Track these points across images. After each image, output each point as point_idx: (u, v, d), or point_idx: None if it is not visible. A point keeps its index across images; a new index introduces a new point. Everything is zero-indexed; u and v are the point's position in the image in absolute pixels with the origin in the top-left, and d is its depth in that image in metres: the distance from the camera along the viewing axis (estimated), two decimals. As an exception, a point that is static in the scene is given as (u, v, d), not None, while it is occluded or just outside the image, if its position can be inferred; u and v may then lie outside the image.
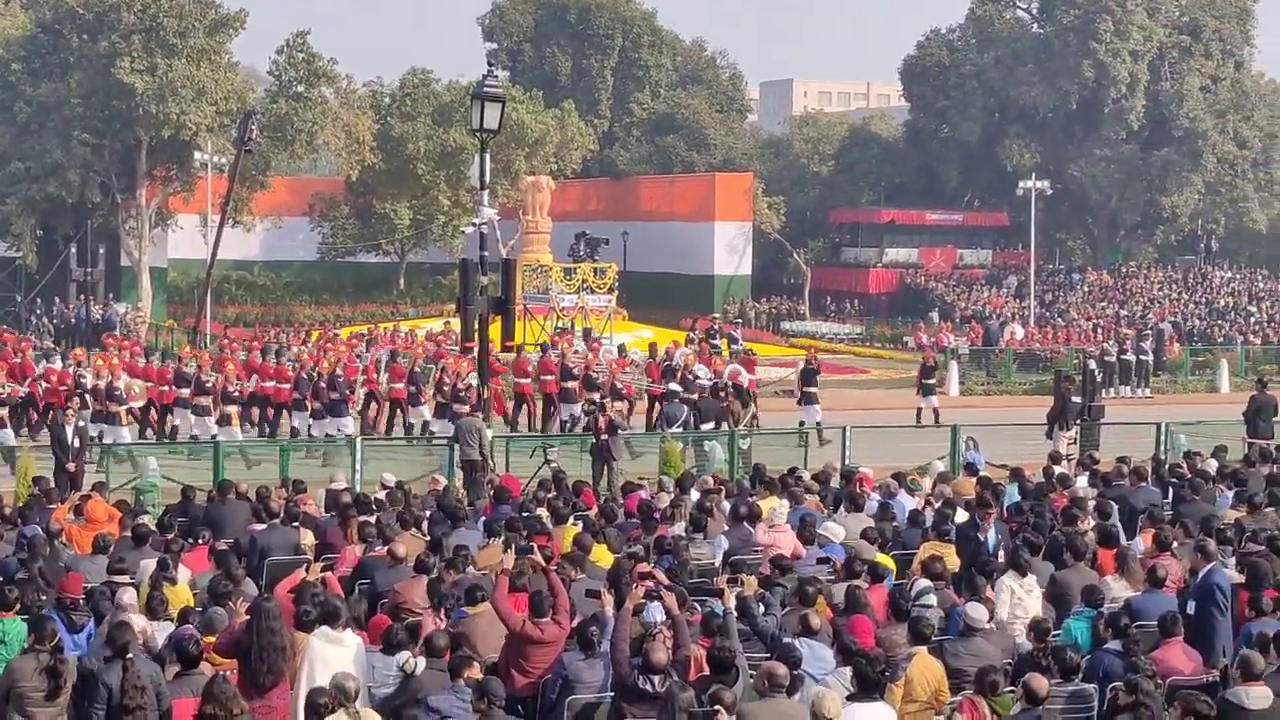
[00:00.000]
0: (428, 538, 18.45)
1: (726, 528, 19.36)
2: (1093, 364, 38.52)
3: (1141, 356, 52.05)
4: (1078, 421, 32.92)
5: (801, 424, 36.13)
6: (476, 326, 28.22)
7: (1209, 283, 78.40)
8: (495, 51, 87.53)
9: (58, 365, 37.44)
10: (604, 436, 28.57)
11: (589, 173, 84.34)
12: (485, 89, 29.03)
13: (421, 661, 13.28)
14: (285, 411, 35.77)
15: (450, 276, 65.17)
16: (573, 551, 16.93)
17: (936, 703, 13.36)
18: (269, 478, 25.67)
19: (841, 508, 20.62)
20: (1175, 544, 17.40)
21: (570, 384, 37.39)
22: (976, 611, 14.49)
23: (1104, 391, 40.83)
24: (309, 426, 34.88)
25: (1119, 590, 16.37)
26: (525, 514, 19.52)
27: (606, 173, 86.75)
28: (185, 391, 34.50)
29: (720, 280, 78.83)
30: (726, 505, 20.74)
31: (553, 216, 63.70)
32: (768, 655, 13.47)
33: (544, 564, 15.41)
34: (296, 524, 19.42)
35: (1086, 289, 77.51)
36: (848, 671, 12.77)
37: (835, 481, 23.27)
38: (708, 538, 18.85)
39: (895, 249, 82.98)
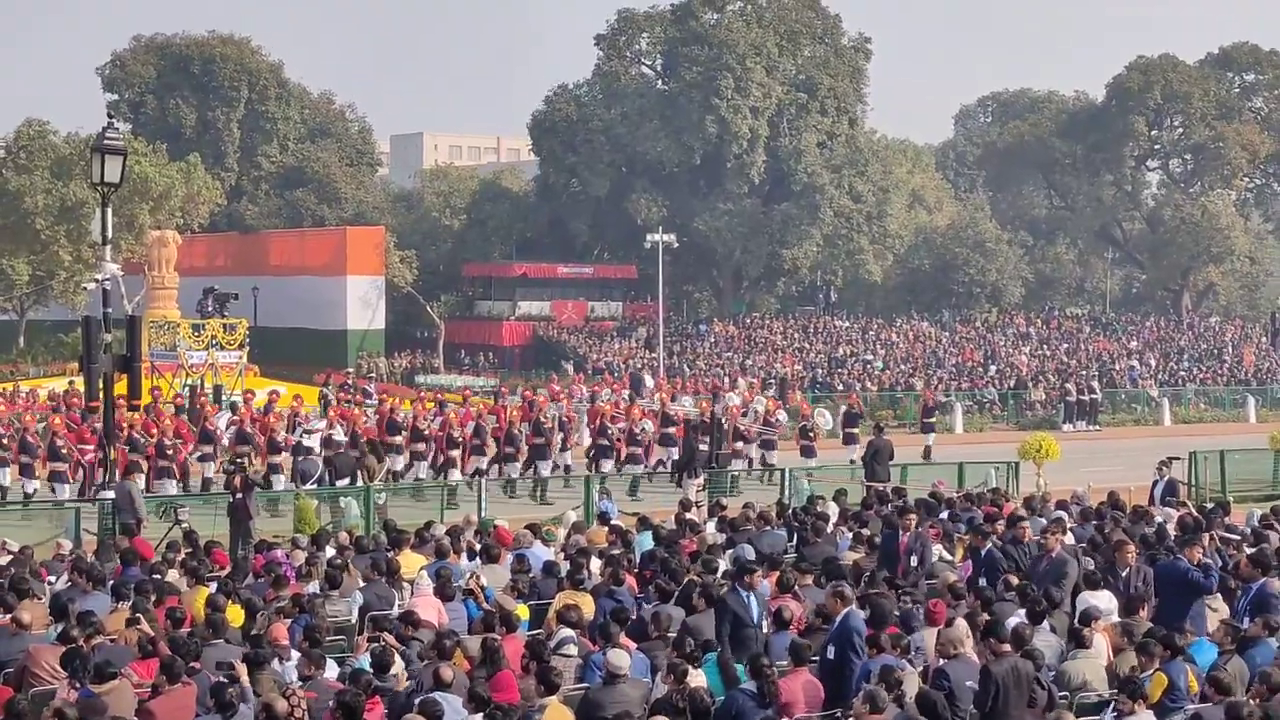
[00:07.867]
0: (44, 601, 17.95)
1: (362, 584, 19.30)
2: (719, 413, 39.47)
3: (766, 404, 53.16)
4: (706, 469, 33.67)
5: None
6: (101, 385, 27.56)
7: (829, 332, 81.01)
8: (116, 103, 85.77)
9: None
10: (239, 495, 28.08)
11: (217, 227, 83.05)
12: (106, 141, 28.53)
13: (48, 731, 12.91)
14: None
15: (73, 334, 63.22)
16: (207, 614, 16.69)
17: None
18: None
19: (478, 559, 20.70)
20: (797, 586, 17.97)
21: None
22: (618, 659, 14.66)
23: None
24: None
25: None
26: (156, 576, 19.13)
27: (235, 227, 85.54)
28: None
29: (354, 335, 78.21)
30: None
31: (180, 272, 62.62)
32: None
33: None
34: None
35: (713, 339, 79.26)
36: (483, 724, 12.89)
37: (471, 534, 23.37)
38: (343, 595, 18.78)
39: (528, 302, 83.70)
